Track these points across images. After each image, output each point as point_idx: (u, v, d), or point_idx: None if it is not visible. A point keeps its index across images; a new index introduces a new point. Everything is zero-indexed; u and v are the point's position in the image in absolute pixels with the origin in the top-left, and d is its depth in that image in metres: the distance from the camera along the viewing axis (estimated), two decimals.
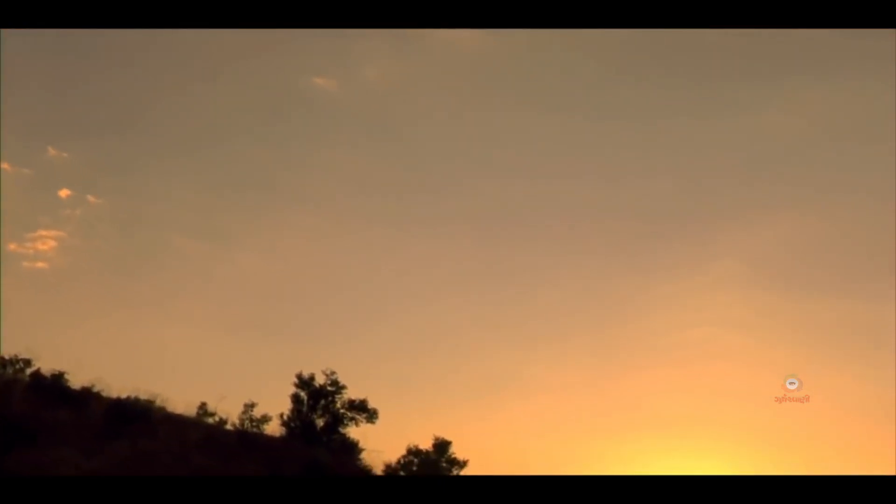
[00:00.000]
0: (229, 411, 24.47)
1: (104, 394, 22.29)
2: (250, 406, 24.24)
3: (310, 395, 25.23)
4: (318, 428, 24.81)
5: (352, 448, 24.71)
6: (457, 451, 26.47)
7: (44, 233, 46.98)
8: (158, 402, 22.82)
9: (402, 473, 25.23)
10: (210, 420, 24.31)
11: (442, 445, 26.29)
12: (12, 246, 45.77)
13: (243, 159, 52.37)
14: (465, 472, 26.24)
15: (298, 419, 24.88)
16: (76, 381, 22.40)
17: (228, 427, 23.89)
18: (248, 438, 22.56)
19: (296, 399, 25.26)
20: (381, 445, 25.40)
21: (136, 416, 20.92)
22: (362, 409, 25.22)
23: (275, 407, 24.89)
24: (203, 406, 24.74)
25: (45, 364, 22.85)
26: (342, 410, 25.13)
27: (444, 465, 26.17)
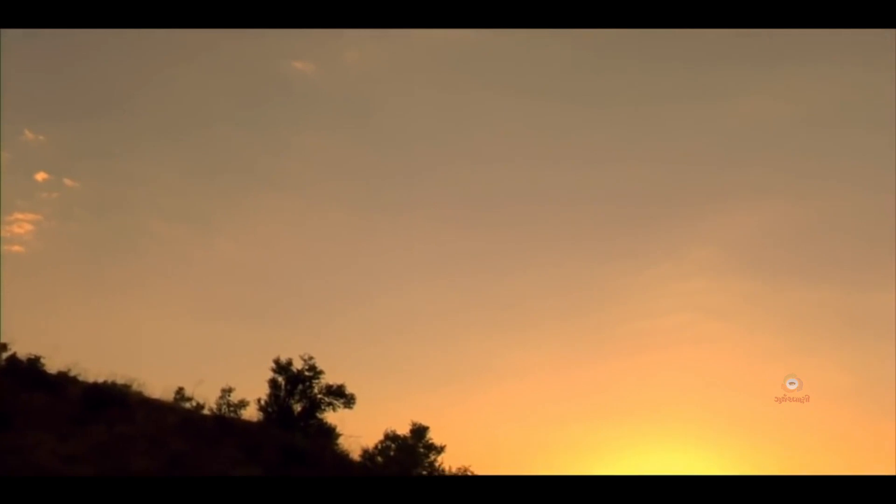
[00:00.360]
0: (206, 396, 24.65)
1: (81, 378, 22.43)
2: (227, 391, 24.37)
3: (287, 381, 25.39)
4: (296, 413, 25.00)
5: (329, 433, 24.91)
6: (434, 436, 26.72)
7: (20, 216, 46.91)
8: (135, 387, 23.00)
9: (379, 459, 25.45)
10: (187, 405, 24.48)
11: (419, 431, 26.54)
12: None
13: (222, 143, 52.42)
14: (442, 457, 26.44)
15: (276, 404, 25.04)
16: (52, 365, 22.54)
17: (206, 412, 24.06)
18: (225, 423, 22.72)
19: (273, 384, 25.41)
20: (358, 430, 25.58)
21: (113, 400, 21.07)
22: (340, 395, 25.41)
23: (252, 392, 25.08)
24: (180, 391, 24.93)
25: (21, 348, 22.93)
26: (319, 396, 25.31)
27: (422, 450, 26.42)
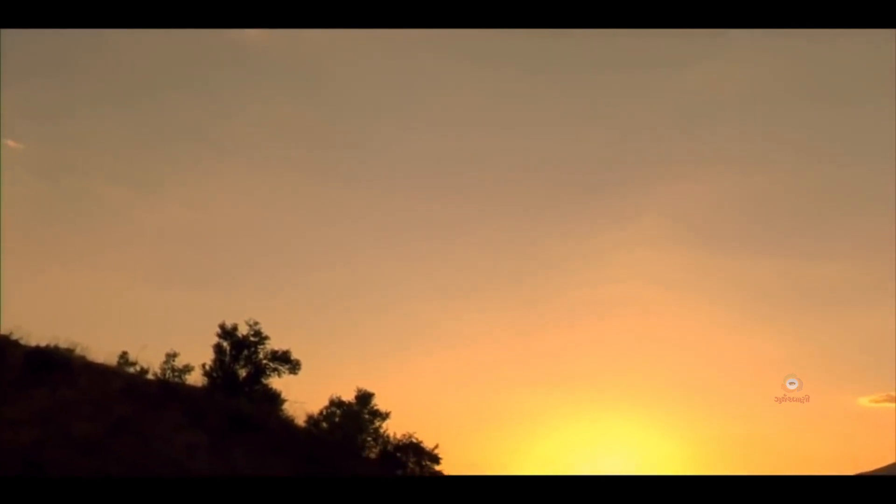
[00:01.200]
0: (151, 361, 24.94)
1: (23, 342, 22.50)
2: (172, 356, 24.71)
3: (232, 346, 25.73)
4: (241, 378, 25.38)
5: (274, 399, 25.36)
6: (379, 402, 27.24)
7: None
8: (79, 351, 23.12)
9: (324, 425, 25.97)
10: (131, 369, 24.71)
11: (364, 397, 27.05)
12: None
13: (172, 107, 51.96)
14: (387, 424, 26.94)
15: (221, 369, 25.39)
16: None
17: (150, 377, 24.32)
18: (169, 388, 23.05)
19: (218, 349, 25.75)
20: (303, 396, 26.13)
21: (56, 364, 21.23)
22: (285, 360, 25.85)
23: (197, 357, 25.40)
24: (124, 355, 25.15)
25: None
26: (265, 361, 25.72)
27: (367, 416, 26.93)
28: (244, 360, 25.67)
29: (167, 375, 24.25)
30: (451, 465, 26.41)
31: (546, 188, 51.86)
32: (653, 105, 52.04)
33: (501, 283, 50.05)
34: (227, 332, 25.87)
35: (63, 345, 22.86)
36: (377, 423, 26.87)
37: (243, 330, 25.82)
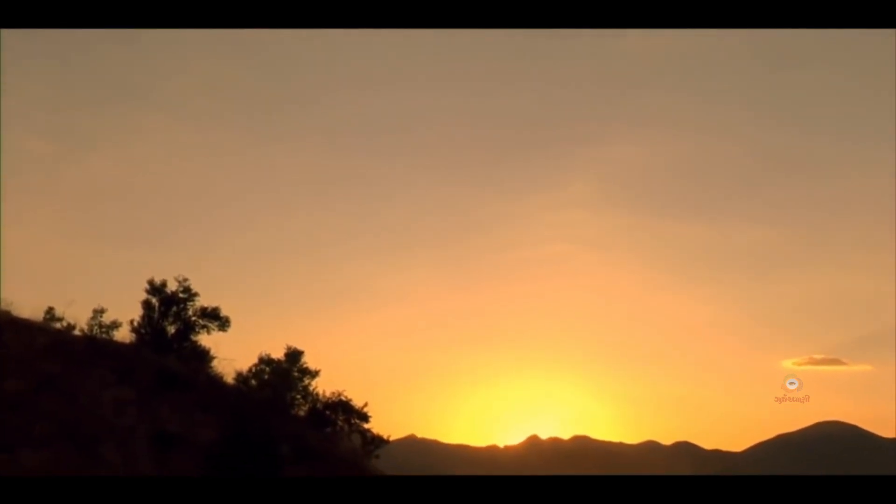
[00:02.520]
0: (77, 317, 25.02)
1: None
2: (99, 312, 24.90)
3: (161, 302, 25.99)
4: (169, 335, 25.69)
5: (203, 356, 25.75)
6: (309, 360, 27.66)
7: None
8: (3, 307, 23.17)
9: (253, 382, 26.42)
10: (57, 325, 24.80)
11: (294, 355, 27.44)
12: None
13: (101, 59, 51.05)
14: (316, 382, 27.40)
15: (149, 326, 25.65)
16: None
17: (77, 333, 24.46)
18: (97, 344, 23.29)
19: (147, 305, 26.00)
20: (232, 354, 26.44)
21: None
22: (214, 317, 26.23)
23: (125, 313, 25.59)
24: (50, 311, 25.18)
25: None
26: (194, 318, 26.06)
27: (297, 374, 27.39)
28: (173, 317, 25.94)
29: (94, 332, 24.45)
30: (379, 424, 27.13)
31: (477, 149, 52.61)
32: (583, 68, 52.79)
33: (432, 243, 50.98)
34: (155, 289, 26.07)
35: None
36: (306, 381, 27.26)
37: (172, 286, 26.13)
